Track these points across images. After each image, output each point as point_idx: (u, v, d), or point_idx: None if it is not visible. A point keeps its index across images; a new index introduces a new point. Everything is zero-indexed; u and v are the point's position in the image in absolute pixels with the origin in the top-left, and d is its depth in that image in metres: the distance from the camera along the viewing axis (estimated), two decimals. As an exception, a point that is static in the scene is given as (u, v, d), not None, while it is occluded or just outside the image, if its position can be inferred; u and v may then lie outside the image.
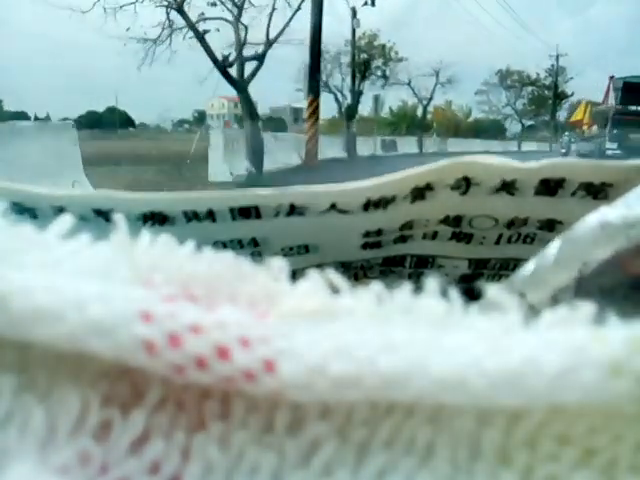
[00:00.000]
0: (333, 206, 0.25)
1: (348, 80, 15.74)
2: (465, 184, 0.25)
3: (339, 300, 0.12)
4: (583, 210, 0.20)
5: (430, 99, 21.06)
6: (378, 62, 18.05)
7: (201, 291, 0.12)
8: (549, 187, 0.25)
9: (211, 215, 0.25)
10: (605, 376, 0.10)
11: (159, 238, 0.13)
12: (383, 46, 18.09)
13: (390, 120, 25.76)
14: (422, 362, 0.11)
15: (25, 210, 0.24)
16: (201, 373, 0.11)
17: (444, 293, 0.12)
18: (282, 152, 7.87)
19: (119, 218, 0.13)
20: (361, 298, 0.12)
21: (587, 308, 0.12)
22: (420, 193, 0.25)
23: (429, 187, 0.25)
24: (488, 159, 0.24)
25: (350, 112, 14.09)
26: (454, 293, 0.12)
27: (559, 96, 26.31)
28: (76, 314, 0.11)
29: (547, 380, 0.10)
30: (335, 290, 0.13)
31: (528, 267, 0.20)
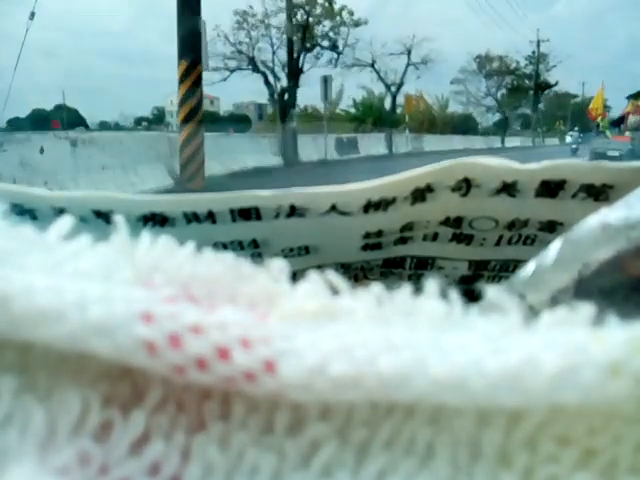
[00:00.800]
0: (333, 207, 0.25)
1: (282, 54, 11.16)
2: (466, 185, 0.25)
3: (339, 301, 0.12)
4: (584, 212, 0.20)
5: (400, 85, 15.97)
6: (325, 26, 12.42)
7: (201, 292, 0.12)
8: (550, 189, 0.25)
9: (211, 216, 0.25)
10: (605, 377, 0.10)
11: (159, 239, 0.13)
12: (330, 1, 12.23)
13: (353, 114, 21.27)
14: (422, 363, 0.11)
15: (25, 211, 0.24)
16: (201, 373, 0.11)
17: (444, 294, 0.12)
18: (115, 172, 3.96)
19: (119, 219, 0.13)
20: (361, 299, 0.12)
21: (587, 309, 0.12)
22: (420, 194, 0.25)
23: (429, 188, 0.25)
24: (489, 160, 0.24)
25: (286, 99, 10.10)
26: (454, 294, 0.12)
27: (540, 86, 23.13)
28: (77, 315, 0.11)
29: (547, 380, 0.10)
30: (335, 291, 0.13)
31: (528, 268, 0.20)
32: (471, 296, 0.16)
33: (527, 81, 23.30)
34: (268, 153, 7.93)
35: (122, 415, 0.12)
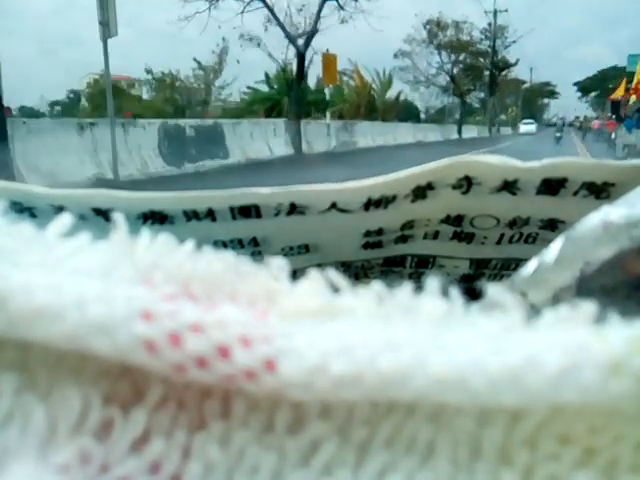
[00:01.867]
0: (334, 205, 0.25)
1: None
2: (467, 183, 0.25)
3: (340, 299, 0.12)
4: (585, 209, 0.20)
5: (312, 34, 8.69)
6: None
7: (201, 290, 0.12)
8: (551, 186, 0.25)
9: (211, 214, 0.25)
10: (605, 375, 0.10)
11: (159, 237, 0.13)
12: None
13: (266, 94, 14.41)
14: (423, 361, 0.11)
15: (24, 209, 0.24)
16: (202, 372, 0.11)
17: (445, 293, 0.12)
18: None
19: (118, 217, 0.13)
20: (362, 297, 0.12)
21: (588, 307, 0.12)
22: (421, 192, 0.25)
23: (430, 186, 0.25)
24: (490, 158, 0.24)
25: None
26: (455, 292, 0.12)
27: (497, 65, 18.87)
28: (76, 313, 0.11)
29: (548, 379, 0.10)
30: (336, 289, 0.13)
31: (529, 266, 0.20)
32: (472, 294, 0.16)
33: (482, 59, 19.06)
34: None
35: (122, 414, 0.12)
